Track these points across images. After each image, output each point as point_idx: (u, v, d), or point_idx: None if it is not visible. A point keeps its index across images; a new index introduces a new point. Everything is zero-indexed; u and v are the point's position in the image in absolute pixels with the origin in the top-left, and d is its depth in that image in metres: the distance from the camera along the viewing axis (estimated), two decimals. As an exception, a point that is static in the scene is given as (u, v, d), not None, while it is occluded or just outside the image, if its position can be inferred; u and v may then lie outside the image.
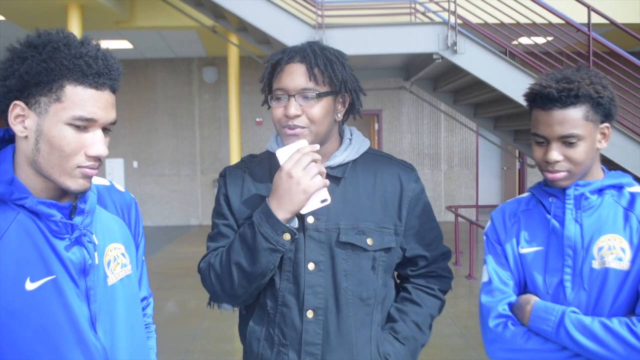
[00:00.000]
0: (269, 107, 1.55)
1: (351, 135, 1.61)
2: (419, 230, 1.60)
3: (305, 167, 1.42)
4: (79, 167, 1.12)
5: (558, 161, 1.46)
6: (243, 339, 1.60)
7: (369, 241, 1.51)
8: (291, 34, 5.93)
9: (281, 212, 1.42)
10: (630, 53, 6.33)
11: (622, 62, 6.20)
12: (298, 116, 1.47)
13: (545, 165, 1.49)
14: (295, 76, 1.47)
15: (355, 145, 1.58)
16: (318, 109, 1.48)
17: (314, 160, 1.43)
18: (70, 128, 1.10)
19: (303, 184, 1.41)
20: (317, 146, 1.46)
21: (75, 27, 7.20)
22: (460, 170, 12.10)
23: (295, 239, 1.47)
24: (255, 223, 1.44)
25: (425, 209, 1.63)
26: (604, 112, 1.47)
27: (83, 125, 1.11)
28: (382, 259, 1.54)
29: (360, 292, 1.51)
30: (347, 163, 1.56)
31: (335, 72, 1.50)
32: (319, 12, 6.00)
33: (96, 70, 1.11)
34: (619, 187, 1.53)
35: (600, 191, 1.51)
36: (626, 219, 1.48)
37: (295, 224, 1.46)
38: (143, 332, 1.35)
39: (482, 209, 11.44)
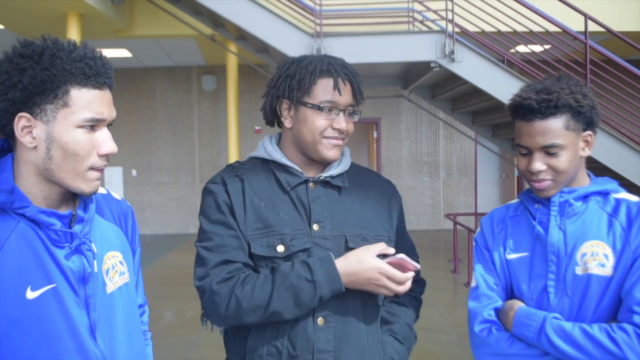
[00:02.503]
0: (294, 107, 1.54)
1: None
2: (402, 237, 1.68)
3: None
4: (91, 168, 1.15)
5: (541, 171, 1.48)
6: (237, 357, 1.53)
7: None
8: (290, 43, 5.96)
9: (344, 281, 1.44)
10: (628, 61, 6.36)
11: (619, 70, 6.22)
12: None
13: (529, 175, 1.51)
14: (347, 92, 1.53)
15: (347, 157, 1.63)
16: (352, 125, 1.57)
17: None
18: (81, 130, 1.12)
19: (381, 285, 1.46)
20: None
21: (74, 36, 7.20)
22: (458, 178, 12.11)
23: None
24: (318, 286, 1.42)
25: (404, 218, 1.72)
26: (585, 120, 1.48)
27: (92, 125, 1.13)
28: None
29: (368, 297, 1.53)
30: (344, 173, 1.59)
31: (362, 93, 1.58)
32: (317, 21, 6.03)
33: (96, 71, 1.13)
34: (605, 194, 1.54)
35: (585, 198, 1.53)
36: (610, 225, 1.49)
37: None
38: (142, 340, 1.36)
39: (481, 216, 11.41)
